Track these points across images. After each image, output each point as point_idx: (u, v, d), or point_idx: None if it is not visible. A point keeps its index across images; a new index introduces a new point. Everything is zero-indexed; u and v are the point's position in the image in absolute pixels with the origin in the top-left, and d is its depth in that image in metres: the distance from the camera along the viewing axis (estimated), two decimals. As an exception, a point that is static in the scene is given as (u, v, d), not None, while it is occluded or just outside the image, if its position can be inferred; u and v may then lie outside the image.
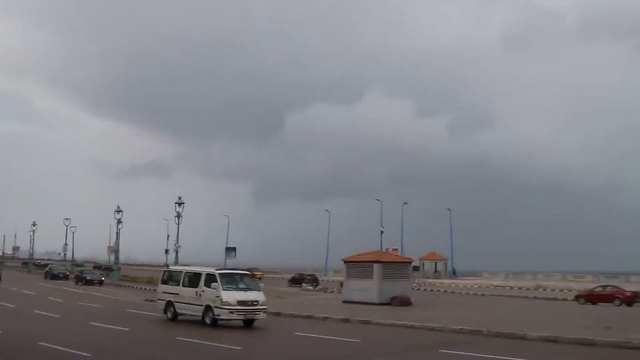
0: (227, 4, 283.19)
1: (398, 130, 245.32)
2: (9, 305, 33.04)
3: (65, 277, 66.89)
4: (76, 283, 61.27)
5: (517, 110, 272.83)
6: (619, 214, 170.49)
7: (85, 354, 16.40)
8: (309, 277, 66.89)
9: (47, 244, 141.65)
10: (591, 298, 44.22)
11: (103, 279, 63.74)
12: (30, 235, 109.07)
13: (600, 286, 48.70)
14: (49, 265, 77.60)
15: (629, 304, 41.89)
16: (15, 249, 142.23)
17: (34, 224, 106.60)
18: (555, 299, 52.99)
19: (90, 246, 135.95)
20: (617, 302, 42.06)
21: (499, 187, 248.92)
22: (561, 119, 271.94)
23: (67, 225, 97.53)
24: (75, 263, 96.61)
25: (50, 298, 40.56)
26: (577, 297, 46.09)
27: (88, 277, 62.21)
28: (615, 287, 46.88)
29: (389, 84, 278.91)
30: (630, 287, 50.21)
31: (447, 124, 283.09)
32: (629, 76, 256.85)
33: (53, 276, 67.42)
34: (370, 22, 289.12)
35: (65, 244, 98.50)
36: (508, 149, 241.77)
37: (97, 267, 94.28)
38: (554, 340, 20.87)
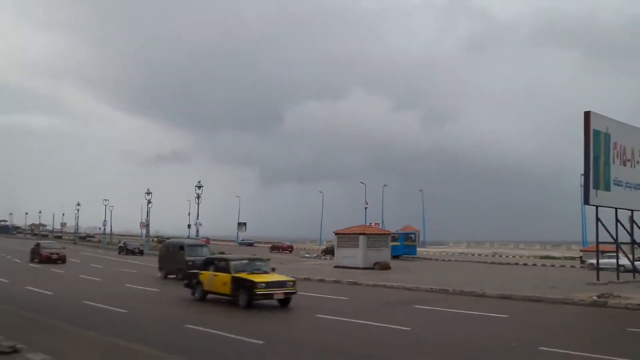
0: (231, 21, 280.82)
1: (377, 123, 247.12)
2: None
3: (141, 252, 59.46)
4: (119, 253, 60.32)
5: (477, 106, 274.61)
6: (561, 194, 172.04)
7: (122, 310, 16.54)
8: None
9: (89, 220, 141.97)
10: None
11: (142, 248, 61.12)
12: (75, 214, 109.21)
13: None
14: (123, 241, 70.32)
15: None
16: (63, 225, 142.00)
17: (78, 204, 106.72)
18: (508, 263, 53.40)
19: (125, 222, 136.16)
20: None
21: (462, 170, 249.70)
22: (514, 113, 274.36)
23: (105, 205, 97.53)
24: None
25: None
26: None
27: (129, 247, 60.99)
28: None
29: (369, 85, 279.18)
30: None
31: (418, 117, 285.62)
32: (572, 76, 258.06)
33: (128, 251, 60.07)
34: (351, 33, 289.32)
35: (105, 221, 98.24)
36: (468, 139, 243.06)
37: (82, 237, 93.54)
38: (508, 297, 21.03)
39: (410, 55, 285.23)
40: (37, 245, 44.07)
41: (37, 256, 40.89)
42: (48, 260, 39.50)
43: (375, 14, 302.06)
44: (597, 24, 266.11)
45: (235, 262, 18.29)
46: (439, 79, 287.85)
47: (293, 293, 17.58)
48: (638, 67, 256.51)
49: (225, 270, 17.86)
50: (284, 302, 17.42)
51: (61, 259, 40.52)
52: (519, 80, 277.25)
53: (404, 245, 60.07)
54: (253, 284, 16.80)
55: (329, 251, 66.09)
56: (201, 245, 30.81)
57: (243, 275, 17.34)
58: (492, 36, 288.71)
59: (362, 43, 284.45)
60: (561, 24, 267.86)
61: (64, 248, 46.82)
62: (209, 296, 18.72)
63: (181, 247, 28.32)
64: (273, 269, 19.15)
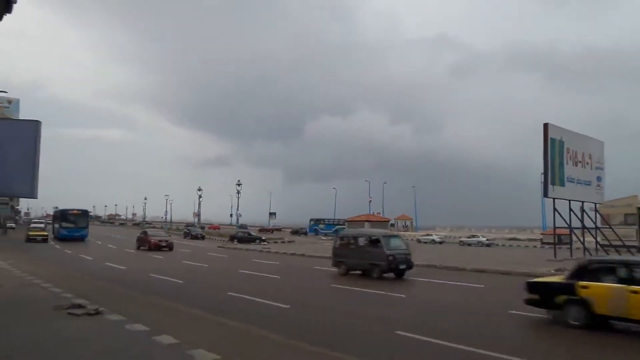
0: (263, 53, 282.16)
1: (379, 133, 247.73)
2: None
3: (202, 237, 54.30)
4: (184, 237, 54.85)
5: (459, 119, 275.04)
6: (524, 188, 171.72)
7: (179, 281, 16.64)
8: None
9: (153, 211, 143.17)
10: None
11: (204, 234, 55.94)
12: (143, 206, 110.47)
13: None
14: (188, 227, 64.97)
15: None
16: (134, 215, 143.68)
17: (145, 198, 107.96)
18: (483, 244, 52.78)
19: (181, 212, 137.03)
20: None
21: (447, 170, 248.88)
22: (489, 124, 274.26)
23: (166, 199, 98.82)
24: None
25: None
26: None
27: (193, 233, 55.37)
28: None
29: (372, 103, 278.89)
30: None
31: (411, 129, 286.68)
32: (536, 95, 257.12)
33: (192, 236, 54.34)
34: (358, 62, 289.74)
35: (165, 212, 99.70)
36: (452, 145, 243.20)
37: (138, 224, 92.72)
38: (482, 271, 20.83)
39: (405, 80, 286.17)
40: (145, 233, 36.94)
41: (146, 244, 33.98)
42: (157, 247, 32.99)
43: (377, 47, 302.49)
44: (556, 52, 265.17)
45: None
46: (428, 98, 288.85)
47: None
48: (589, 87, 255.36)
49: None
50: None
51: (169, 247, 33.65)
52: (493, 99, 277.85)
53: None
54: None
55: (295, 232, 69.15)
56: (396, 236, 20.47)
57: None
58: (471, 64, 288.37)
59: (366, 70, 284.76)
60: (527, 52, 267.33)
61: (170, 236, 40.66)
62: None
63: (375, 239, 18.52)
64: None
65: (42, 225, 47.59)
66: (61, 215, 45.37)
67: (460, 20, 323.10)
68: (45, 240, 40.18)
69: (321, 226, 71.01)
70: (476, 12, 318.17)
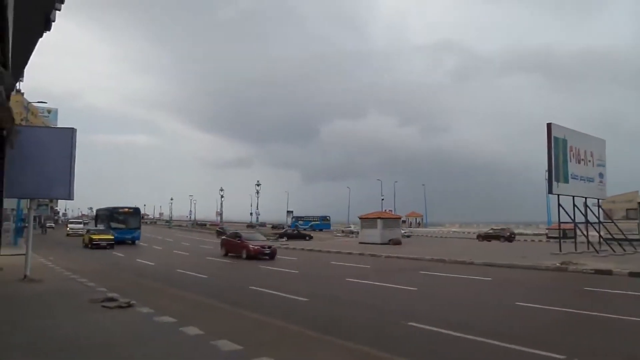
0: (279, 61, 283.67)
1: (388, 135, 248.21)
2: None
3: None
4: (218, 236, 45.84)
5: (463, 120, 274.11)
6: (529, 184, 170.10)
7: (204, 276, 16.69)
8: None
9: (179, 210, 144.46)
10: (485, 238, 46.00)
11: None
12: (169, 206, 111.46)
13: (492, 229, 49.81)
14: (221, 226, 60.48)
15: (509, 240, 43.67)
16: (161, 214, 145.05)
17: (171, 199, 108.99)
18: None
19: (205, 211, 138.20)
20: (502, 239, 43.87)
21: (453, 167, 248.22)
22: (493, 124, 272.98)
23: (191, 199, 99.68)
24: (198, 222, 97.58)
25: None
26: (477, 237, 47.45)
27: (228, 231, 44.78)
28: (503, 229, 47.92)
29: (382, 107, 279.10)
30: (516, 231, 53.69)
31: (418, 130, 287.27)
32: (533, 96, 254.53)
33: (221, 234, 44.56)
34: (368, 69, 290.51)
35: (190, 211, 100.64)
36: (459, 144, 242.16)
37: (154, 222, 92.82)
38: (490, 265, 20.53)
39: (411, 85, 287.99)
40: (237, 235, 26.42)
41: (241, 250, 24.31)
42: (258, 255, 23.73)
43: (384, 55, 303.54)
44: (553, 55, 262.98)
45: None
46: (433, 101, 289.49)
47: None
48: (584, 87, 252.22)
49: None
50: None
51: (272, 255, 24.13)
52: (494, 100, 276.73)
53: (322, 223, 76.43)
54: None
55: (275, 227, 73.69)
56: None
57: None
58: (472, 67, 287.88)
59: (375, 76, 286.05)
60: (525, 55, 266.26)
61: (270, 239, 32.02)
62: None
63: None
64: None
65: (81, 226, 44.68)
66: (109, 215, 36.82)
67: (463, 25, 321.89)
68: (111, 245, 31.21)
69: (300, 222, 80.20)
70: (478, 18, 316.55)
